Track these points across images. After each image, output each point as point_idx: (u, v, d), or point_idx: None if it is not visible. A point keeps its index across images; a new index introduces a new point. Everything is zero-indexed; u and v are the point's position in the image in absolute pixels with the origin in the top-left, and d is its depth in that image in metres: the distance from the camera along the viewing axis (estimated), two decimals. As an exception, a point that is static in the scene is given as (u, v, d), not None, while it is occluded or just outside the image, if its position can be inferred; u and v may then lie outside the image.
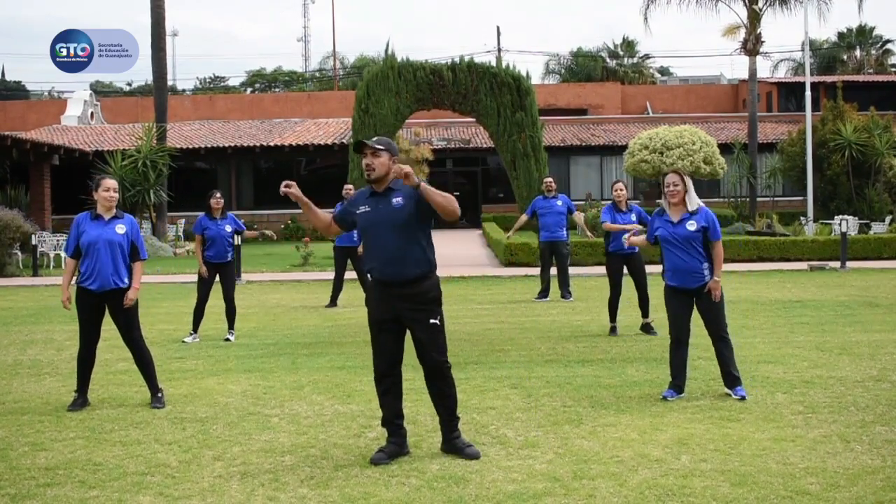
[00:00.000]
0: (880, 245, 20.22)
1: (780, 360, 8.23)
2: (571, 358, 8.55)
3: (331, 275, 14.67)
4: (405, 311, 5.25)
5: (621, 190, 10.04)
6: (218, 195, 10.26)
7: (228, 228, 10.09)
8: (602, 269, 17.88)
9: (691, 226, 6.68)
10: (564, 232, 13.43)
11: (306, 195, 5.32)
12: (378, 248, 5.24)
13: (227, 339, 10.04)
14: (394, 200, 5.19)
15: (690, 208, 6.75)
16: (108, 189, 6.74)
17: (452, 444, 5.33)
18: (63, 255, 21.55)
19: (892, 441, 5.49)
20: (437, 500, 4.57)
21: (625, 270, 10.21)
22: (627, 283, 10.24)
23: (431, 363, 5.32)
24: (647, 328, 9.98)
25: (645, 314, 10.03)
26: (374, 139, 5.28)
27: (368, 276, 5.36)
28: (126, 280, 6.74)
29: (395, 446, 5.32)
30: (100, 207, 6.78)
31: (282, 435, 5.86)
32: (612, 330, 10.09)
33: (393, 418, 5.38)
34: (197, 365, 8.55)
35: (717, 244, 6.71)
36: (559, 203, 13.28)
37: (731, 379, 6.72)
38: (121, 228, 6.75)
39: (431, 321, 5.26)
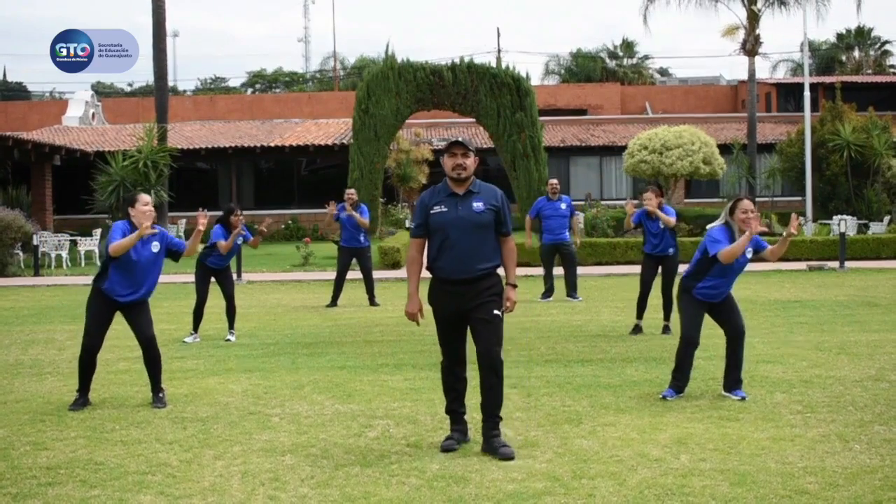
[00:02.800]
0: (879, 245, 20.24)
1: (779, 359, 8.25)
2: (571, 358, 8.57)
3: (331, 275, 14.68)
4: (468, 305, 5.42)
5: (650, 200, 10.02)
6: (238, 212, 10.07)
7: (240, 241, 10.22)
8: (602, 270, 18.07)
9: (749, 253, 6.67)
10: (567, 234, 13.36)
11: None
12: (450, 247, 5.40)
13: (228, 340, 10.05)
14: (475, 204, 5.40)
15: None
16: (146, 203, 6.70)
17: (490, 444, 5.37)
18: (64, 255, 21.60)
19: (890, 440, 5.51)
20: (437, 500, 4.59)
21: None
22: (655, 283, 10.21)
23: (490, 354, 5.39)
24: (667, 330, 10.00)
25: (667, 317, 10.05)
26: (464, 139, 5.49)
27: (433, 272, 5.48)
28: (152, 292, 6.89)
29: (461, 433, 5.52)
30: (138, 223, 6.64)
31: (282, 434, 5.87)
32: (636, 328, 10.10)
33: (457, 406, 5.56)
34: (198, 365, 8.57)
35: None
36: (563, 206, 13.23)
37: (734, 382, 6.74)
38: (156, 247, 6.80)
39: (495, 311, 5.43)
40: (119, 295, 6.74)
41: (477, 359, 5.45)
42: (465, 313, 5.44)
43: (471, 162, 5.43)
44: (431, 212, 5.45)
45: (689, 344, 6.78)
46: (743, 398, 6.60)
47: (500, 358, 5.44)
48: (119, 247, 6.55)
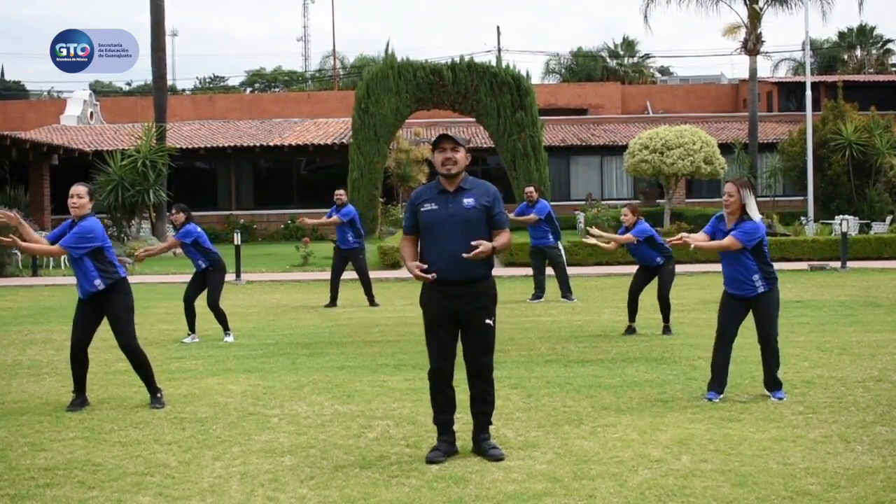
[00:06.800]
0: (881, 245, 20.21)
1: (781, 360, 8.18)
2: (571, 358, 8.54)
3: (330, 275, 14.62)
4: (462, 309, 5.25)
5: (625, 216, 10.12)
6: (174, 210, 10.06)
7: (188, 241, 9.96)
8: (603, 270, 18.04)
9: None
10: (550, 237, 13.46)
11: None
12: (442, 247, 5.18)
13: (225, 341, 10.00)
14: (465, 200, 5.20)
15: (755, 219, 6.59)
16: (71, 196, 6.76)
17: (480, 446, 5.34)
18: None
19: (892, 441, 5.48)
20: (437, 500, 4.57)
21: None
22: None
23: (479, 362, 5.32)
24: (667, 330, 9.99)
25: (665, 319, 10.06)
26: (454, 134, 5.29)
27: (428, 274, 5.19)
28: (99, 284, 6.71)
29: (448, 444, 5.32)
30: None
31: (281, 435, 5.85)
32: (629, 329, 10.09)
33: (446, 417, 5.37)
34: (196, 365, 8.54)
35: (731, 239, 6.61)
36: (533, 215, 13.33)
37: (773, 382, 6.74)
38: None
39: (487, 321, 5.29)
40: (80, 290, 6.76)
41: (465, 366, 5.39)
42: (458, 317, 5.28)
43: (461, 156, 5.23)
44: (421, 209, 5.27)
45: (718, 340, 6.79)
46: (780, 399, 6.59)
47: (490, 365, 5.36)
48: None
